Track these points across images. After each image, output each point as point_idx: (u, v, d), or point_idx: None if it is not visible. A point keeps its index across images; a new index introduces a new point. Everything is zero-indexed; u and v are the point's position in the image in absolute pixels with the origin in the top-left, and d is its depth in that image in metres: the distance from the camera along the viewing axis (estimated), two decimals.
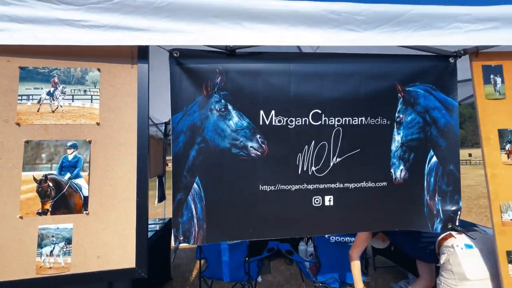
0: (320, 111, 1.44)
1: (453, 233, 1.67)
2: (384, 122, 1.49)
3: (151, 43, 1.29)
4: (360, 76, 1.47)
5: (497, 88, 1.53)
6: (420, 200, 1.54)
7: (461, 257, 1.58)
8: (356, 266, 2.11)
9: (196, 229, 1.39)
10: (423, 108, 1.52)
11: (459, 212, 1.52)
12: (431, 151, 1.53)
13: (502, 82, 1.54)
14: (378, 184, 1.50)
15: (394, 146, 1.51)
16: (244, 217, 1.42)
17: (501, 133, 1.51)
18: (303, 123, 1.44)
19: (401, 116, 1.51)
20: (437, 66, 1.52)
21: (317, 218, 1.46)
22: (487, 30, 1.45)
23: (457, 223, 1.51)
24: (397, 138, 1.51)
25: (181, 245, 1.45)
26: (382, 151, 1.50)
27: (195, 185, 1.38)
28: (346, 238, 2.96)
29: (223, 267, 2.98)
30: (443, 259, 1.69)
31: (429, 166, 1.54)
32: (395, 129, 1.51)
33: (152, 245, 3.09)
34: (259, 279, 3.17)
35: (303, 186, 1.45)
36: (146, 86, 1.33)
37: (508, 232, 1.46)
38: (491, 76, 1.53)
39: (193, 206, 1.38)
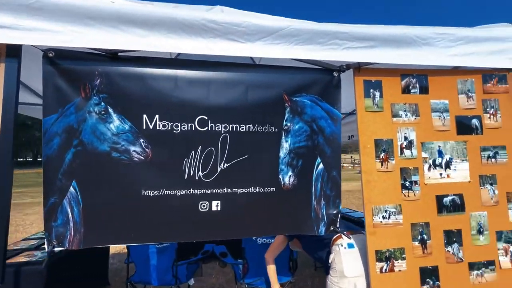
0: (206, 117, 1.47)
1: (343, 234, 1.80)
2: (272, 130, 1.56)
3: (16, 41, 1.22)
4: (247, 84, 1.51)
5: (376, 102, 1.67)
6: (308, 205, 1.63)
7: (343, 256, 1.71)
8: (271, 270, 2.19)
9: (72, 233, 1.34)
10: (310, 118, 1.61)
11: (339, 215, 1.64)
12: (318, 158, 1.63)
13: (381, 96, 1.69)
14: (266, 190, 1.56)
15: (283, 153, 1.59)
16: (126, 221, 1.40)
17: (377, 143, 1.65)
18: (189, 129, 1.45)
19: (288, 124, 1.59)
20: (322, 78, 1.62)
21: (203, 223, 1.49)
22: (365, 49, 1.57)
23: (337, 225, 1.63)
24: (285, 146, 1.59)
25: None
26: (271, 158, 1.57)
27: (71, 188, 1.33)
28: (273, 240, 3.06)
29: (151, 271, 2.91)
30: (330, 258, 1.82)
31: (316, 172, 1.64)
32: (283, 137, 1.58)
33: (84, 249, 2.95)
34: (191, 282, 3.14)
35: (189, 191, 1.47)
36: (14, 84, 1.26)
37: (378, 233, 1.60)
38: (371, 91, 1.67)
39: (69, 210, 1.33)
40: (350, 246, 1.72)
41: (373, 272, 1.56)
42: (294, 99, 1.58)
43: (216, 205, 1.50)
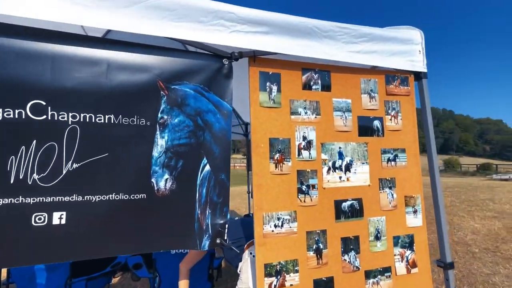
0: (44, 102, 1.12)
1: None
2: (143, 123, 1.27)
3: None
4: (107, 63, 1.21)
5: (272, 96, 1.50)
6: (191, 215, 1.36)
7: (249, 264, 1.50)
8: (181, 284, 1.90)
9: None
10: (194, 110, 1.36)
11: (226, 225, 1.41)
12: (205, 158, 1.39)
13: (278, 90, 1.52)
14: (134, 197, 1.26)
15: (157, 151, 1.31)
16: None
17: (272, 142, 1.48)
18: (17, 117, 1.09)
19: (165, 117, 1.31)
20: (210, 66, 1.38)
21: (39, 242, 1.13)
22: (258, 34, 1.38)
23: (225, 237, 1.41)
24: (161, 143, 1.31)
25: None
26: (140, 157, 1.28)
27: None
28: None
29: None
30: (239, 266, 1.60)
31: (202, 175, 1.39)
32: (157, 132, 1.31)
33: None
34: None
35: (17, 200, 1.10)
36: None
37: (269, 244, 1.42)
38: (268, 84, 1.49)
39: None
40: None
41: (262, 286, 1.37)
42: (173, 87, 1.32)
43: (59, 218, 1.15)
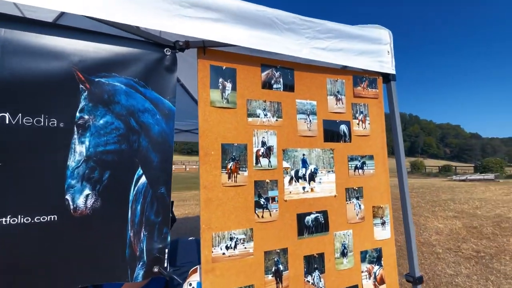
0: None
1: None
2: (53, 124, 1.00)
3: None
4: (3, 46, 0.93)
5: (226, 95, 1.29)
6: (120, 239, 1.09)
7: None
8: None
9: None
10: (126, 110, 1.11)
11: (166, 250, 1.17)
12: (140, 168, 1.14)
13: (233, 89, 1.32)
14: (41, 219, 0.98)
15: (74, 160, 1.03)
16: None
17: (225, 149, 1.27)
18: None
19: (86, 117, 1.05)
20: (147, 56, 1.14)
21: None
22: (207, 21, 1.16)
23: (165, 264, 1.16)
24: (80, 149, 1.04)
25: None
26: (51, 168, 1.00)
27: None
28: None
29: None
30: None
31: (136, 189, 1.14)
32: (75, 136, 1.03)
33: None
34: None
35: None
36: None
37: (218, 270, 1.20)
38: (220, 80, 1.29)
39: None
40: (200, 285, 1.27)
41: None
42: (97, 80, 1.05)
43: None
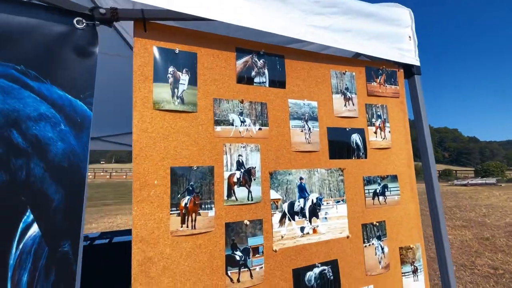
0: None
1: None
2: None
3: None
4: None
5: (179, 93, 0.85)
6: None
7: None
8: None
9: None
10: (4, 117, 0.68)
11: None
12: (29, 212, 0.69)
13: (192, 83, 0.88)
14: None
15: None
16: None
17: (177, 176, 0.81)
18: None
19: None
20: (42, 29, 0.70)
21: None
22: None
23: None
24: None
25: None
26: None
27: None
28: None
29: None
30: None
31: (21, 247, 0.68)
32: None
33: None
34: None
35: None
36: None
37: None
38: (170, 70, 0.85)
39: None
40: None
41: None
42: None
43: None
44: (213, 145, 0.85)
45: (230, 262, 0.82)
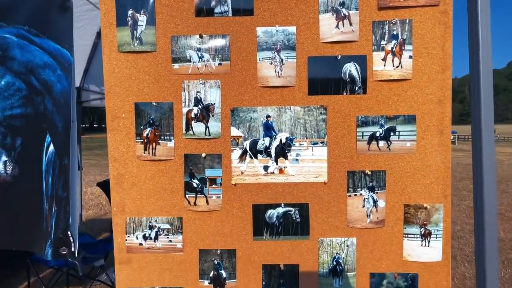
0: None
1: None
2: None
3: None
4: None
5: (138, 34, 0.87)
6: (39, 210, 0.97)
7: None
8: None
9: None
10: (24, 67, 0.90)
11: (69, 233, 0.94)
12: (48, 135, 0.96)
13: (150, 23, 0.87)
14: None
15: None
16: None
17: (140, 110, 0.89)
18: None
19: None
20: None
21: None
22: None
23: (72, 248, 0.98)
24: None
25: None
26: None
27: None
28: None
29: None
30: None
31: (47, 158, 0.97)
32: None
33: None
34: None
35: None
36: None
37: (135, 262, 0.92)
38: (129, 12, 0.86)
39: None
40: None
41: None
42: None
43: None
44: (172, 83, 0.88)
45: (188, 187, 0.89)
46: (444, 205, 0.87)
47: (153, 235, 0.90)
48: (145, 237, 0.90)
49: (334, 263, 0.90)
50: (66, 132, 0.93)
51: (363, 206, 0.88)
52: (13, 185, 0.96)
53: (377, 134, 0.87)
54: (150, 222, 0.90)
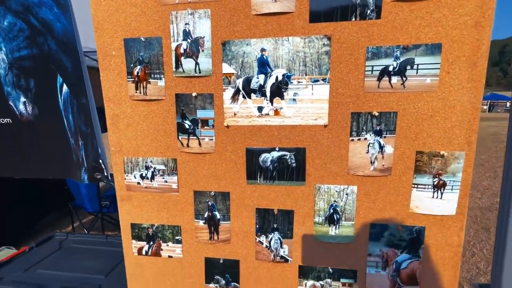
0: None
1: None
2: None
3: None
4: None
5: None
6: (66, 143, 1.06)
7: None
8: None
9: None
10: (21, 5, 0.89)
11: (100, 160, 1.03)
12: (59, 76, 0.97)
13: None
14: (1, 121, 1.07)
15: (2, 67, 0.99)
16: None
17: (129, 47, 0.84)
18: None
19: None
20: None
21: None
22: None
23: (105, 172, 1.06)
24: (2, 56, 0.97)
25: None
26: None
27: None
28: None
29: (84, 198, 2.94)
30: None
31: (62, 98, 1.00)
32: None
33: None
34: None
35: None
36: None
37: (135, 199, 0.95)
38: None
39: None
40: None
41: (128, 252, 1.00)
42: None
43: None
44: (160, 15, 0.81)
45: (181, 129, 0.87)
46: (467, 153, 0.74)
47: (149, 175, 0.91)
48: (142, 177, 0.92)
49: (331, 211, 0.84)
50: (78, 72, 0.94)
51: (367, 152, 0.79)
52: (37, 123, 1.04)
53: (390, 68, 0.73)
54: (146, 162, 0.91)
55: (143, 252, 0.97)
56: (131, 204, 0.95)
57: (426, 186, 0.77)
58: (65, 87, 1.01)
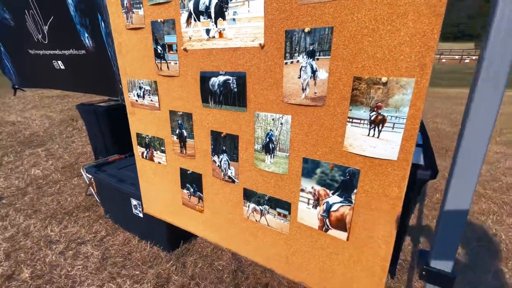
0: None
1: None
2: None
3: None
4: None
5: None
6: (111, 70, 1.41)
7: None
8: None
9: (13, 77, 2.05)
10: None
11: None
12: (98, 15, 1.24)
13: None
14: (78, 52, 1.49)
15: (72, 10, 1.34)
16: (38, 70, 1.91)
17: None
18: None
19: None
20: None
21: (56, 76, 1.74)
22: None
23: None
24: (69, 1, 1.31)
25: None
26: (66, 18, 1.38)
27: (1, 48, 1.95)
28: None
29: None
30: None
31: (104, 34, 1.30)
32: None
33: None
34: None
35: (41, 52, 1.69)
36: None
37: (137, 114, 1.17)
38: None
39: (5, 61, 2.00)
40: None
41: (137, 154, 1.28)
42: None
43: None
44: None
45: (156, 53, 0.99)
46: (418, 80, 0.55)
47: (141, 94, 1.12)
48: (138, 96, 1.14)
49: (267, 139, 0.82)
50: (106, 11, 1.20)
51: (299, 77, 0.70)
52: (96, 53, 1.41)
53: None
54: (139, 83, 1.11)
55: (144, 156, 1.25)
56: (135, 117, 1.21)
57: (362, 121, 0.64)
58: (103, 24, 1.30)
